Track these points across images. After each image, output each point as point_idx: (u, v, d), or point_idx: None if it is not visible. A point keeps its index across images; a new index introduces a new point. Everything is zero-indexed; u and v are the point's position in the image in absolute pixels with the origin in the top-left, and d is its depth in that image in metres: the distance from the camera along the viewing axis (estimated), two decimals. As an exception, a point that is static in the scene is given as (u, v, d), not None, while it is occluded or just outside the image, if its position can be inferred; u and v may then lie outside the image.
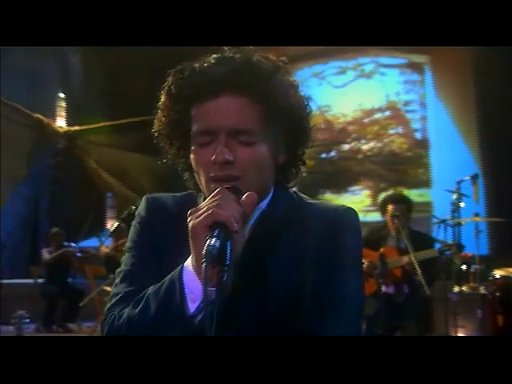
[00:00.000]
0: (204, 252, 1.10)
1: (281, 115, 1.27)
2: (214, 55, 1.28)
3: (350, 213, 1.35)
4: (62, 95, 10.43)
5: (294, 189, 1.42)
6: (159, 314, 1.20)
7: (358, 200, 9.69)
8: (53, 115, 10.25)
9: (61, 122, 10.30)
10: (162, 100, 1.30)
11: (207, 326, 1.09)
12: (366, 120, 9.98)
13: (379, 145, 9.88)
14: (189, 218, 1.17)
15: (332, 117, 10.14)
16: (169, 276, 1.22)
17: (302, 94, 1.33)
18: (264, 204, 1.33)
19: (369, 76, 9.91)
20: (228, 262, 1.13)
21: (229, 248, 1.14)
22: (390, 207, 4.92)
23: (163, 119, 1.32)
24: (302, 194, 1.40)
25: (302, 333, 1.22)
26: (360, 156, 9.97)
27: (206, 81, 1.24)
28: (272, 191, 1.35)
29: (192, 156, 1.30)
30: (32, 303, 7.31)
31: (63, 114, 10.36)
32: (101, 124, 9.68)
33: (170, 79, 1.29)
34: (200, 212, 1.16)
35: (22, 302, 6.98)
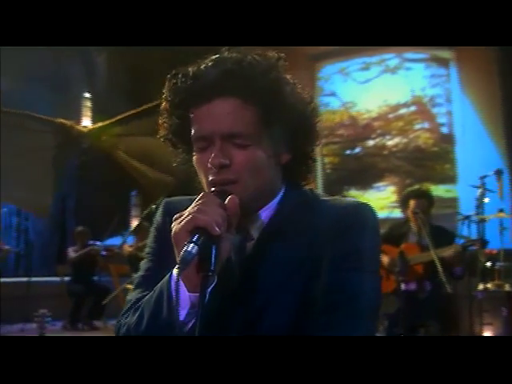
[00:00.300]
0: (179, 259, 1.09)
1: (277, 115, 1.25)
2: (211, 57, 1.27)
3: (364, 208, 1.30)
4: (87, 95, 10.53)
5: (315, 185, 1.39)
6: (151, 323, 1.21)
7: (384, 196, 9.62)
8: (78, 115, 10.36)
9: (86, 122, 10.40)
10: (162, 106, 1.31)
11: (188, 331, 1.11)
12: (390, 115, 9.87)
13: (405, 140, 9.77)
14: (173, 224, 1.17)
15: (356, 113, 10.07)
16: (159, 284, 1.23)
17: (303, 90, 1.31)
18: (273, 204, 1.31)
19: (393, 71, 9.80)
20: (212, 268, 1.12)
21: (213, 253, 1.13)
22: (412, 202, 4.85)
23: (165, 124, 1.32)
24: (318, 192, 1.37)
25: (309, 334, 1.20)
26: (385, 152, 9.88)
27: (199, 85, 1.23)
28: (282, 191, 1.33)
29: (194, 160, 1.30)
30: (59, 301, 7.43)
31: (89, 113, 10.46)
32: (124, 115, 9.69)
33: (166, 84, 1.29)
34: (182, 217, 1.16)
35: (50, 301, 7.09)
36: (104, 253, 8.08)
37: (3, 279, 8.39)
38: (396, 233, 4.96)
